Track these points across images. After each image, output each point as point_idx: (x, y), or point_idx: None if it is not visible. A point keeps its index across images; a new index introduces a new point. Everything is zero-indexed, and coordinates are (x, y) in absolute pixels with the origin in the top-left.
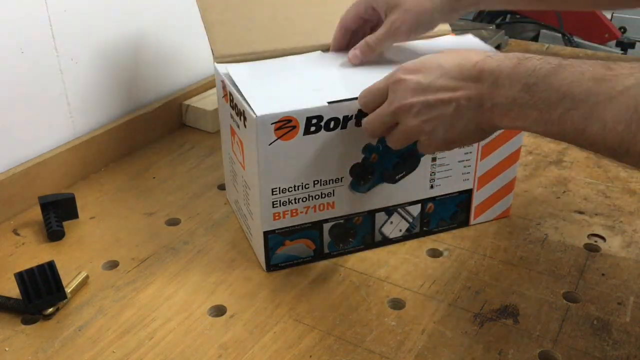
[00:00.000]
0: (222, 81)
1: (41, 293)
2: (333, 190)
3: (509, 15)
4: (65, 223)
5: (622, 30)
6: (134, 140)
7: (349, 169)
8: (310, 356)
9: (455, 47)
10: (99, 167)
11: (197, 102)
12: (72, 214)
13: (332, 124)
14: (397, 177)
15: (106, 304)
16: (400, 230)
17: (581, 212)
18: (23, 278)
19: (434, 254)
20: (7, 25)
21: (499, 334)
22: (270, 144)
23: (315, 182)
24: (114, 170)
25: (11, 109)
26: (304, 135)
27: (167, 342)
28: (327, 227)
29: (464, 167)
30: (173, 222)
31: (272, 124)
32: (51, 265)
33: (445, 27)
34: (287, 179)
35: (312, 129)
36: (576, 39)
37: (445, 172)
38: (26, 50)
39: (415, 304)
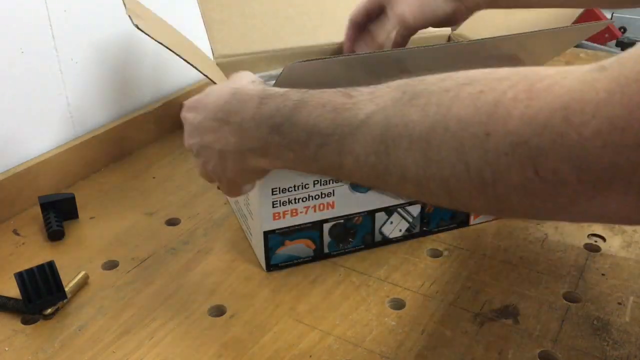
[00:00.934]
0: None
1: (41, 293)
2: (333, 190)
3: None
4: (65, 223)
5: (622, 30)
6: (134, 140)
7: None
8: (310, 356)
9: None
10: (99, 167)
11: None
12: (72, 214)
13: None
14: None
15: (106, 304)
16: (400, 230)
17: None
18: (23, 278)
19: (434, 254)
20: (7, 25)
21: (499, 334)
22: None
23: (315, 182)
24: (114, 170)
25: (11, 109)
26: None
27: (167, 342)
28: (327, 227)
29: None
30: (173, 222)
31: None
32: (51, 265)
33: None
34: (287, 179)
35: None
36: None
37: None
38: (26, 50)
39: (415, 304)
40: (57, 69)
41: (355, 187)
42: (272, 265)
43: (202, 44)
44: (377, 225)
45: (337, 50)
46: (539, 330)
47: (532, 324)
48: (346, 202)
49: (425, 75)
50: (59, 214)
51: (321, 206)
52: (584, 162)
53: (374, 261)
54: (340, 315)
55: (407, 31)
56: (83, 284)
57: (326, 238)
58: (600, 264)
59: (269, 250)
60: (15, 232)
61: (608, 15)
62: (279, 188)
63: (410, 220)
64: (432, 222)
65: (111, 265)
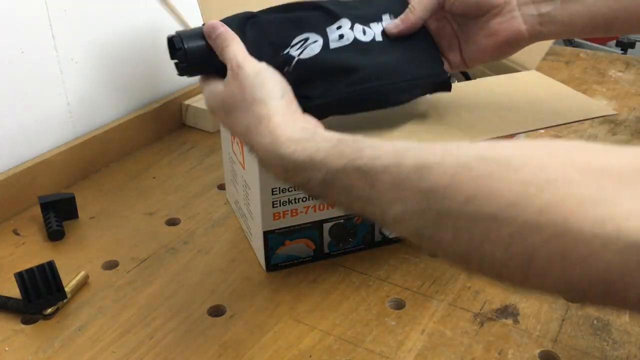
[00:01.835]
0: None
1: (41, 293)
2: None
3: None
4: (65, 223)
5: None
6: (134, 140)
7: None
8: (310, 356)
9: None
10: (99, 167)
11: (197, 102)
12: (72, 214)
13: None
14: None
15: (106, 304)
16: None
17: None
18: (23, 278)
19: (434, 253)
20: (7, 25)
21: (499, 334)
22: None
23: None
24: (114, 170)
25: (11, 109)
26: None
27: (167, 342)
28: (327, 227)
29: None
30: (173, 222)
31: None
32: (51, 265)
33: None
34: None
35: None
36: (576, 39)
37: None
38: (26, 50)
39: (415, 304)
40: (57, 69)
41: None
42: (272, 265)
43: None
44: (377, 225)
45: None
46: (539, 330)
47: (532, 324)
48: None
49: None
50: (59, 214)
51: (321, 206)
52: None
53: (374, 261)
54: (340, 315)
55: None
56: (83, 284)
57: (326, 238)
58: None
59: (269, 250)
60: (15, 232)
61: None
62: (279, 188)
63: None
64: None
65: (111, 265)
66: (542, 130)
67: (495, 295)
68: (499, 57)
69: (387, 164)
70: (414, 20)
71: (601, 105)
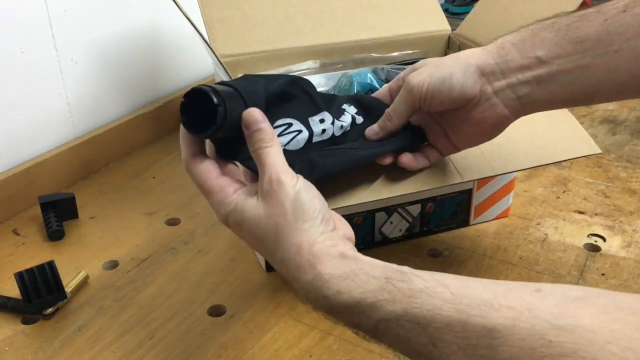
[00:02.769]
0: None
1: (41, 293)
2: None
3: None
4: (65, 223)
5: None
6: (134, 140)
7: None
8: (310, 356)
9: None
10: (99, 167)
11: None
12: (72, 213)
13: None
14: None
15: (106, 304)
16: (400, 230)
17: (581, 212)
18: (23, 278)
19: (434, 253)
20: (7, 25)
21: None
22: None
23: None
24: (114, 170)
25: (11, 109)
26: None
27: (167, 342)
28: None
29: None
30: (173, 222)
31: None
32: (51, 265)
33: (445, 25)
34: None
35: None
36: None
37: None
38: (26, 50)
39: None
40: (57, 69)
41: None
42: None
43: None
44: (377, 225)
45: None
46: None
47: None
48: None
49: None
50: (59, 214)
51: None
52: None
53: None
54: None
55: (415, 105)
56: (83, 284)
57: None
58: (600, 264)
59: None
60: (15, 232)
61: None
62: None
63: (410, 220)
64: (432, 222)
65: (111, 265)
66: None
67: None
68: (490, 138)
69: (450, 322)
70: (392, 128)
71: (590, 144)
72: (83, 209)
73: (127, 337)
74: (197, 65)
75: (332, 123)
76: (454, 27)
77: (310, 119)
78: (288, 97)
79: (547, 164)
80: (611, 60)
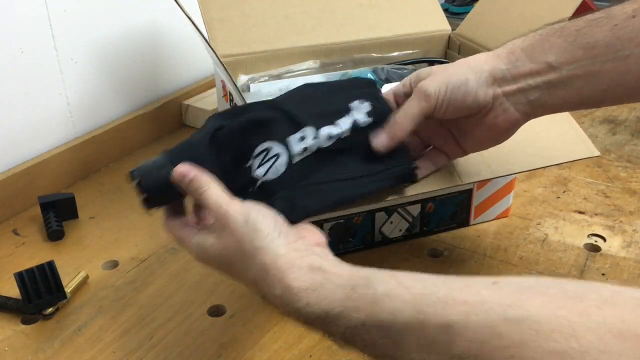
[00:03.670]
0: (222, 81)
1: (41, 293)
2: None
3: None
4: (65, 223)
5: None
6: (134, 140)
7: None
8: (310, 356)
9: None
10: (99, 167)
11: (197, 102)
12: (72, 213)
13: None
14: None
15: (106, 304)
16: (400, 230)
17: (581, 212)
18: (23, 278)
19: (434, 253)
20: (7, 25)
21: None
22: None
23: None
24: (114, 170)
25: (11, 109)
26: None
27: (167, 342)
28: (327, 227)
29: None
30: None
31: None
32: (51, 265)
33: (445, 25)
34: None
35: None
36: None
37: None
38: (26, 50)
39: None
40: (57, 69)
41: None
42: None
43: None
44: (377, 225)
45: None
46: None
47: None
48: None
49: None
50: (58, 214)
51: None
52: None
53: (374, 261)
54: None
55: (426, 111)
56: (83, 284)
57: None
58: (600, 264)
59: None
60: (15, 232)
61: None
62: None
63: (410, 220)
64: (432, 222)
65: (111, 265)
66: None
67: None
68: (500, 141)
69: (410, 321)
70: (401, 135)
71: (589, 147)
72: (83, 209)
73: (127, 337)
74: (197, 65)
75: (316, 137)
76: (454, 27)
77: (289, 139)
78: (266, 121)
79: (545, 167)
80: (621, 66)
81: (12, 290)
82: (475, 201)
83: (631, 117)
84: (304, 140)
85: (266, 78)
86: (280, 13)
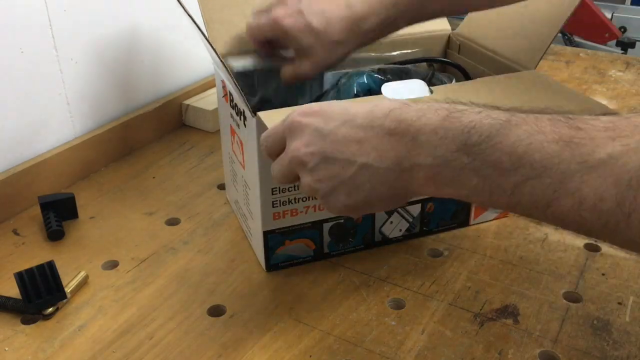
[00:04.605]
0: (222, 81)
1: (41, 293)
2: None
3: None
4: (65, 223)
5: (622, 30)
6: (134, 140)
7: None
8: (310, 356)
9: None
10: (99, 167)
11: (197, 102)
12: (72, 213)
13: None
14: None
15: (106, 304)
16: (400, 230)
17: None
18: (23, 278)
19: (434, 253)
20: (7, 25)
21: (499, 334)
22: None
23: None
24: (114, 170)
25: (11, 109)
26: None
27: (167, 342)
28: (327, 227)
29: None
30: (173, 222)
31: None
32: (51, 265)
33: (445, 25)
34: None
35: None
36: (576, 38)
37: None
38: (26, 50)
39: (415, 304)
40: (57, 69)
41: None
42: (272, 265)
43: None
44: (377, 225)
45: None
46: (539, 330)
47: (532, 324)
48: None
49: None
50: (58, 214)
51: (321, 206)
52: None
53: (374, 261)
54: (340, 315)
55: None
56: (83, 284)
57: (326, 238)
58: (600, 264)
59: (269, 250)
60: (15, 232)
61: (608, 14)
62: (279, 188)
63: (410, 220)
64: (432, 222)
65: (111, 265)
66: None
67: (495, 295)
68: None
69: (584, 118)
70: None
71: (602, 105)
72: (83, 209)
73: (127, 337)
74: (197, 65)
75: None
76: (454, 27)
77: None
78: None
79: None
80: None
81: (12, 290)
82: None
83: None
84: None
85: None
86: None
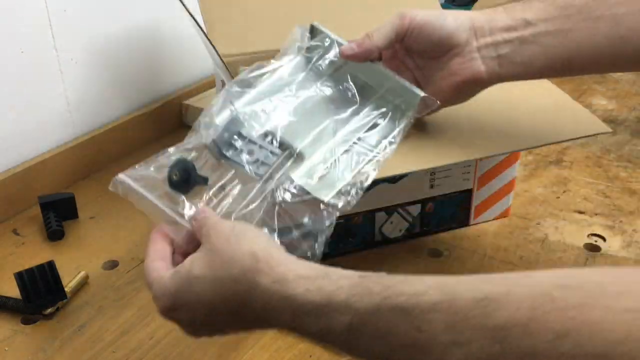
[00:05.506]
0: (222, 81)
1: (41, 293)
2: None
3: None
4: (65, 223)
5: None
6: (134, 140)
7: None
8: (310, 356)
9: None
10: (99, 167)
11: (197, 102)
12: (72, 213)
13: None
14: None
15: (106, 304)
16: (400, 230)
17: (581, 212)
18: (23, 278)
19: (434, 253)
20: (7, 25)
21: None
22: None
23: None
24: (114, 170)
25: (11, 109)
26: None
27: (167, 342)
28: None
29: (464, 167)
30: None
31: None
32: (51, 265)
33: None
34: None
35: None
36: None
37: (445, 172)
38: (26, 50)
39: None
40: (57, 69)
41: None
42: None
43: (202, 43)
44: (377, 225)
45: None
46: None
47: None
48: None
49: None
50: (58, 214)
51: None
52: None
53: (374, 261)
54: None
55: (400, 25)
56: (83, 284)
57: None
58: (600, 264)
59: None
60: (15, 232)
61: None
62: None
63: (410, 220)
64: (432, 222)
65: (111, 265)
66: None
67: None
68: (457, 98)
69: (436, 302)
70: (370, 46)
71: (598, 122)
72: (83, 209)
73: (127, 337)
74: (197, 65)
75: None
76: None
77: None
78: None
79: (556, 142)
80: (592, 25)
81: (12, 290)
82: (475, 201)
83: (631, 117)
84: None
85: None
86: (281, 13)
